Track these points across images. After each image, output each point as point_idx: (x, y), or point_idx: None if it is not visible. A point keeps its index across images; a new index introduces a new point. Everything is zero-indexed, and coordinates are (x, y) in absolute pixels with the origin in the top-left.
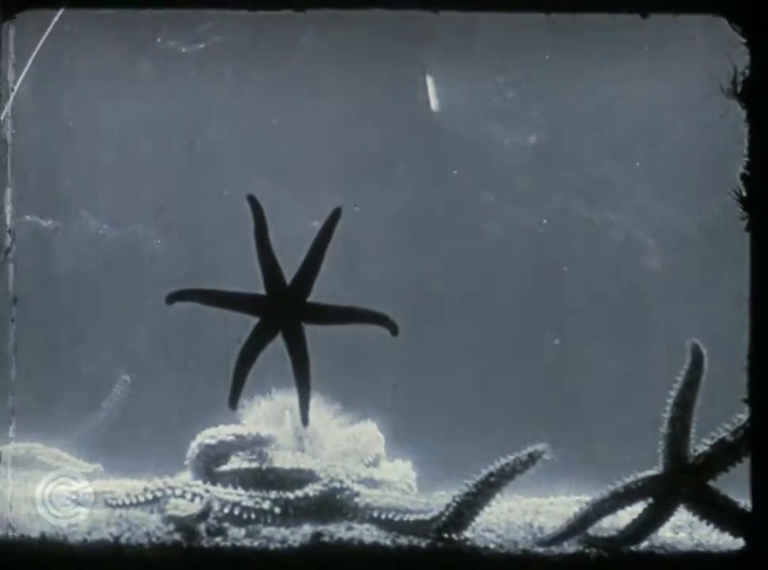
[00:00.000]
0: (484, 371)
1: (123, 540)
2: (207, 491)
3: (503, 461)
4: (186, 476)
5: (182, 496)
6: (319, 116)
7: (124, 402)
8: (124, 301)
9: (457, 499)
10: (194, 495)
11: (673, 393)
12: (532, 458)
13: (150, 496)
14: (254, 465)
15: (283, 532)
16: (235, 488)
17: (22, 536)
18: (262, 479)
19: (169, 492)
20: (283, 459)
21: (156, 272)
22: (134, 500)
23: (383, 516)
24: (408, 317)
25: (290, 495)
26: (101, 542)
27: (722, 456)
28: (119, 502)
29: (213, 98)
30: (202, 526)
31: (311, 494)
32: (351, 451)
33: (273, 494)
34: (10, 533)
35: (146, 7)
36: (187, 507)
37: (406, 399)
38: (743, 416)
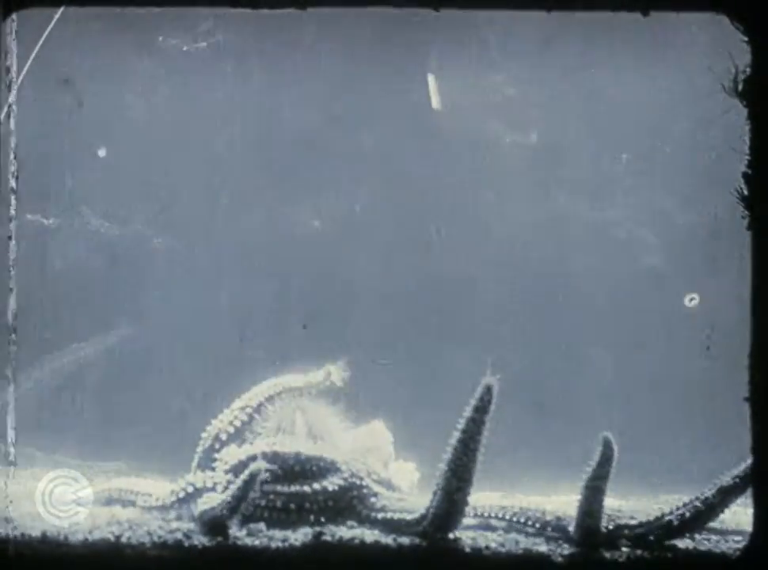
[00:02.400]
0: (486, 368)
1: (123, 539)
2: (230, 482)
3: (462, 420)
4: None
5: (212, 490)
6: (320, 114)
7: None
8: (124, 298)
9: (441, 483)
10: (225, 486)
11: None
12: (487, 395)
13: (180, 495)
14: (275, 447)
15: (284, 531)
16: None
17: (23, 535)
18: (283, 464)
19: (190, 488)
20: (306, 446)
21: (155, 270)
22: (167, 502)
23: (391, 516)
24: (409, 315)
25: (308, 489)
26: (102, 541)
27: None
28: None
29: (214, 96)
30: (236, 519)
31: (330, 488)
32: (373, 448)
33: (291, 487)
34: (11, 532)
35: (147, 5)
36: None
37: (410, 397)
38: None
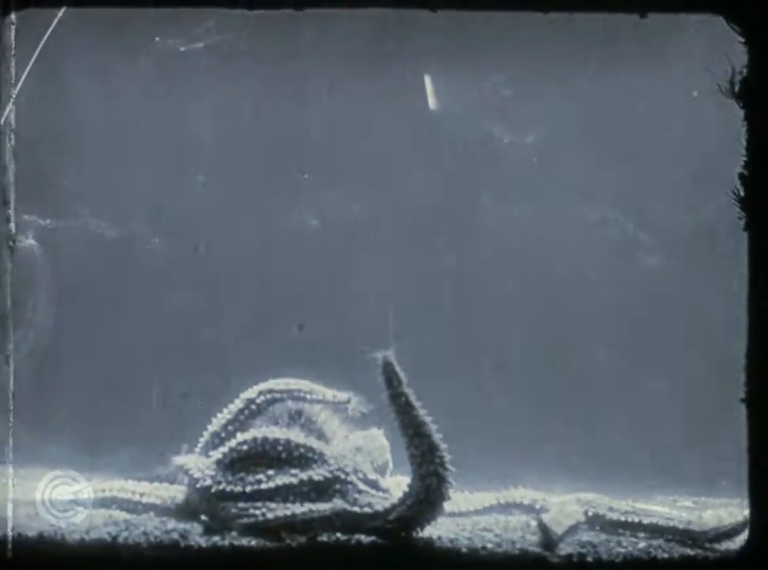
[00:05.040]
0: (484, 371)
1: (120, 539)
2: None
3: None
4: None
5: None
6: (317, 116)
7: None
8: (123, 300)
9: (411, 472)
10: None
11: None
12: (389, 372)
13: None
14: (273, 434)
15: None
16: (234, 466)
17: (20, 535)
18: (271, 450)
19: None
20: (297, 435)
21: (154, 271)
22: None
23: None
24: (407, 317)
25: (294, 480)
26: (99, 542)
27: None
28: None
29: (211, 97)
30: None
31: (315, 478)
32: (364, 449)
33: (276, 478)
34: (9, 533)
35: (145, 6)
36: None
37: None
38: None
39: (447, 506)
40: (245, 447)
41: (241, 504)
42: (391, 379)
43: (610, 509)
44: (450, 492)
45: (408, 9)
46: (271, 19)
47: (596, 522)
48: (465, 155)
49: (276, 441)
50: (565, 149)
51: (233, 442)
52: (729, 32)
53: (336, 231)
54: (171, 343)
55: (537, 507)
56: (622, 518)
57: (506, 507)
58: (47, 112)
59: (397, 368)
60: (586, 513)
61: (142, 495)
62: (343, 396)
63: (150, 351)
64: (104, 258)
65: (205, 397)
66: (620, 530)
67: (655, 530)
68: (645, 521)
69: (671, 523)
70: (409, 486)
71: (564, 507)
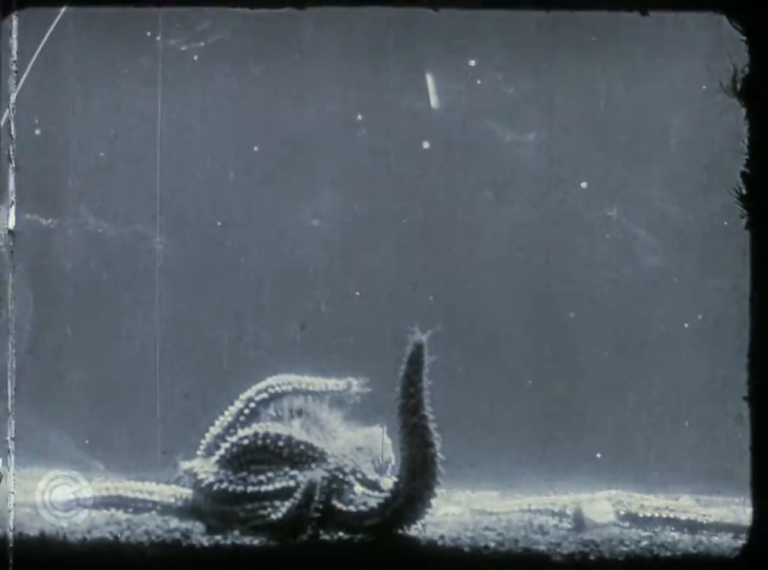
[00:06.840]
0: (485, 371)
1: (122, 539)
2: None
3: (401, 376)
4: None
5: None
6: (318, 115)
7: None
8: (123, 300)
9: (402, 460)
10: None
11: None
12: (418, 352)
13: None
14: (276, 430)
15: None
16: (233, 461)
17: (21, 534)
18: (272, 445)
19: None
20: (299, 433)
21: (155, 271)
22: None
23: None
24: (408, 318)
25: (293, 482)
26: (101, 541)
27: None
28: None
29: (213, 95)
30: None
31: (314, 479)
32: (365, 448)
33: (276, 482)
34: (10, 532)
35: (146, 5)
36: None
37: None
38: None
39: (480, 505)
40: (246, 441)
41: (245, 505)
42: (414, 361)
43: (642, 507)
44: (481, 494)
45: (410, 8)
46: (273, 17)
47: (629, 520)
48: (467, 153)
49: (278, 436)
50: (567, 147)
51: (234, 438)
52: (731, 30)
53: (336, 230)
54: (173, 343)
55: (569, 511)
56: (656, 515)
57: (537, 513)
58: (48, 111)
59: (425, 355)
60: (617, 512)
61: (150, 493)
62: (342, 382)
63: (150, 350)
64: (105, 257)
65: (207, 396)
66: (655, 527)
67: (694, 527)
68: (682, 517)
69: (710, 519)
70: (398, 477)
71: (596, 504)
